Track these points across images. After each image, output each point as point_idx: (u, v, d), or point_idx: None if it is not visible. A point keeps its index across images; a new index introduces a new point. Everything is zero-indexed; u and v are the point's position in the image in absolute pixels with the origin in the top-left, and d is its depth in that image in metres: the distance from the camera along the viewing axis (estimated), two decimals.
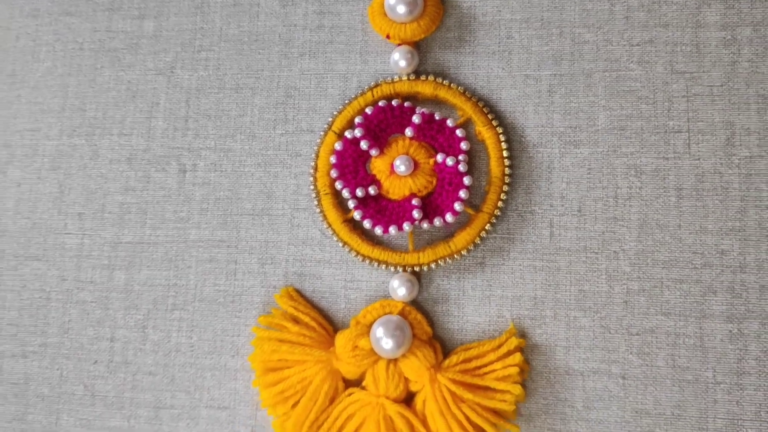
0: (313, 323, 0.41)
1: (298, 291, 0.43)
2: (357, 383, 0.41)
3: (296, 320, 0.42)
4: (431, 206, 0.41)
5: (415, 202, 0.41)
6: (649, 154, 0.41)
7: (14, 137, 0.47)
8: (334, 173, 0.41)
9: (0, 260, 0.46)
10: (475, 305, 0.42)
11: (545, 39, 0.43)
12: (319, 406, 0.39)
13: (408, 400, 0.40)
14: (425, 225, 0.40)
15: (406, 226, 0.40)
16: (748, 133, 0.41)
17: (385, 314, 0.40)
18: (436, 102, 0.44)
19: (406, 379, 0.40)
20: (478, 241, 0.41)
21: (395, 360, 0.40)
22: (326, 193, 0.42)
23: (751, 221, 0.40)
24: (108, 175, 0.46)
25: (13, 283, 0.46)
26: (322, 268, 0.43)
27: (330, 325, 0.42)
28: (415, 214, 0.40)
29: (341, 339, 0.40)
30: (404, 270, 0.41)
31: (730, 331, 0.39)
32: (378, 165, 0.42)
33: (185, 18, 0.47)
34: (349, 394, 0.40)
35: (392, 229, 0.40)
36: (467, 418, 0.38)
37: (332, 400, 0.40)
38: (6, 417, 0.44)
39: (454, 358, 0.40)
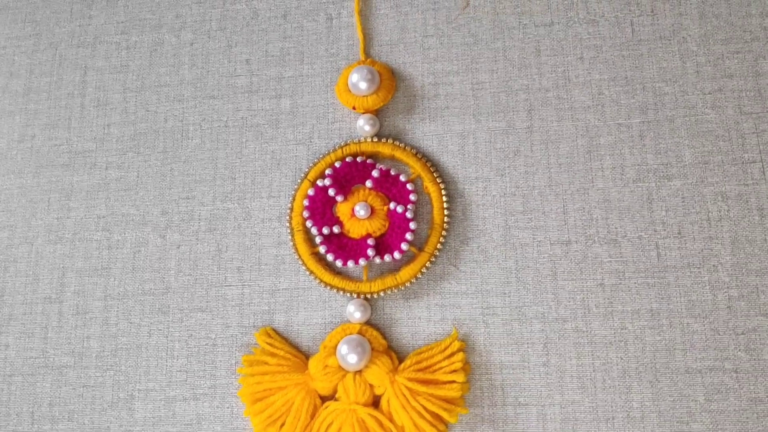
0: (288, 355, 0.46)
1: (273, 329, 0.48)
2: (331, 398, 0.45)
3: (273, 354, 0.46)
4: (383, 245, 0.47)
5: (370, 241, 0.47)
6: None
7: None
8: (305, 214, 0.48)
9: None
10: (422, 324, 0.46)
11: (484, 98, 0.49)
12: (303, 422, 0.44)
13: (375, 404, 0.44)
14: (377, 260, 0.46)
15: (361, 261, 0.46)
16: None
17: (346, 335, 0.45)
18: (393, 160, 0.50)
19: (371, 386, 0.44)
20: (419, 275, 0.47)
21: (360, 371, 0.44)
22: (298, 230, 0.48)
23: None
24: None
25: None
26: (292, 301, 0.48)
27: (301, 353, 0.47)
28: (369, 252, 0.46)
29: (313, 362, 0.45)
30: (358, 296, 0.47)
31: None
32: (342, 209, 0.48)
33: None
34: (326, 407, 0.45)
35: (350, 263, 0.46)
36: (425, 408, 0.43)
37: (313, 416, 0.45)
38: None
39: (408, 362, 0.44)
